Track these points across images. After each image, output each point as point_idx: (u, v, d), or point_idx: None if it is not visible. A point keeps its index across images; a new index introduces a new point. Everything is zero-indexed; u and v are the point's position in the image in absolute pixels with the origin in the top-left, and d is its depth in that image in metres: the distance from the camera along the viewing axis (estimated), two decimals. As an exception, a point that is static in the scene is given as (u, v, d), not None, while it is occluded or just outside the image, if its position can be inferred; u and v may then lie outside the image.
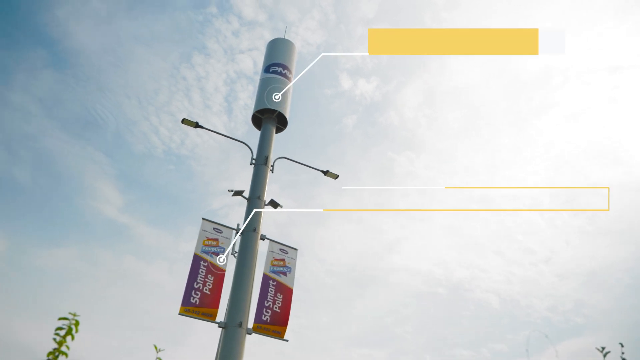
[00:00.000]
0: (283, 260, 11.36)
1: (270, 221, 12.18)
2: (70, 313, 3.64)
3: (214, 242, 10.75)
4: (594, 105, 38.51)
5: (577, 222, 37.98)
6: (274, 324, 10.55)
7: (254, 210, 11.30)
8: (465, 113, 39.91)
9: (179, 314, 9.93)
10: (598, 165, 37.85)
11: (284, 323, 10.63)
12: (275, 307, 10.75)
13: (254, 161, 12.01)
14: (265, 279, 11.01)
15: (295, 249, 11.66)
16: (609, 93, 38.10)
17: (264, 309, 10.62)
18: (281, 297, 10.93)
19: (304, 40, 34.73)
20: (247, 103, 36.55)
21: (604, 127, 38.31)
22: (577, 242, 37.47)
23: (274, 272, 11.14)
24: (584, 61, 37.60)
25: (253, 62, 36.82)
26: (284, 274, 11.22)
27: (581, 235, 37.69)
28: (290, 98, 12.92)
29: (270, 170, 11.99)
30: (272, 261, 11.24)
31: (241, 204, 11.51)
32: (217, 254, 10.63)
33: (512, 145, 40.00)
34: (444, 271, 37.36)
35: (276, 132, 12.63)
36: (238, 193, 11.42)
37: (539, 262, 37.03)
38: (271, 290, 10.91)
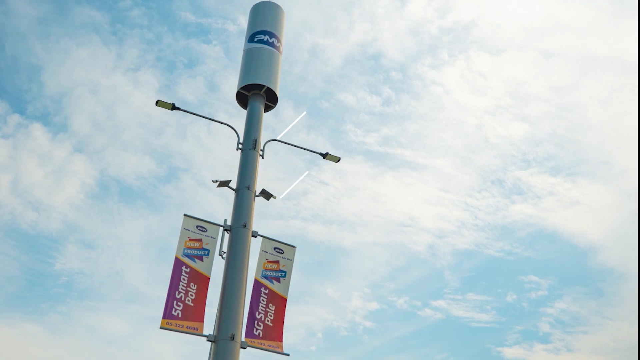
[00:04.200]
0: (277, 262, 9.85)
1: (262, 214, 10.65)
2: None
3: (197, 244, 9.29)
4: None
5: None
6: (267, 339, 9.16)
7: (244, 202, 9.80)
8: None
9: (161, 327, 8.66)
10: None
11: (279, 338, 9.25)
12: (267, 320, 9.32)
13: (240, 146, 10.43)
14: (257, 285, 9.55)
15: (293, 247, 10.12)
16: None
17: (255, 322, 9.22)
18: (273, 308, 9.50)
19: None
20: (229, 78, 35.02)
21: None
22: None
23: (265, 277, 9.66)
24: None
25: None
26: (277, 280, 9.73)
27: None
28: (279, 71, 11.26)
29: (260, 155, 10.43)
30: (264, 264, 9.74)
31: (228, 195, 10.00)
32: (201, 257, 9.21)
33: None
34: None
35: (265, 111, 11.03)
36: (224, 183, 9.92)
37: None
38: (262, 300, 9.46)
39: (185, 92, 34.67)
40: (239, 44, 12.04)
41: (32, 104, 34.33)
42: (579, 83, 36.93)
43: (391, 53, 36.60)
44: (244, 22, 12.14)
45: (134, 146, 34.84)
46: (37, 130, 33.88)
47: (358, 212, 33.77)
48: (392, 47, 36.40)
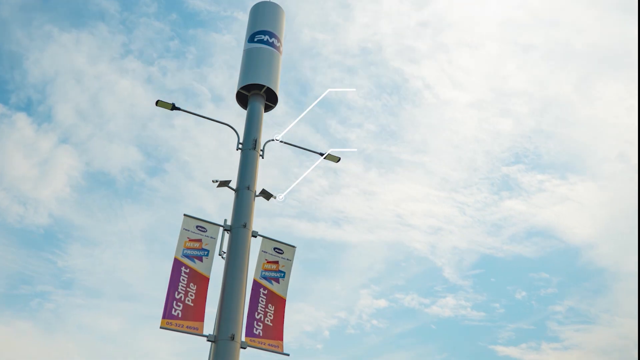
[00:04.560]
0: (276, 262, 9.85)
1: (262, 214, 10.64)
2: None
3: (197, 244, 9.30)
4: None
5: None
6: (268, 338, 9.18)
7: (244, 202, 9.79)
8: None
9: (161, 327, 8.67)
10: None
11: (279, 338, 9.26)
12: (267, 321, 9.32)
13: (240, 146, 10.43)
14: (256, 285, 9.54)
15: (293, 247, 10.10)
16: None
17: (255, 322, 9.23)
18: (273, 308, 9.50)
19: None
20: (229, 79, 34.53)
21: None
22: None
23: (264, 277, 9.66)
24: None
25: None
26: (276, 280, 9.73)
27: None
28: (279, 71, 11.24)
29: (260, 155, 10.42)
30: (263, 264, 9.74)
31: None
32: (200, 258, 9.22)
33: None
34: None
35: (265, 111, 11.03)
36: (224, 184, 9.91)
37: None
38: (262, 300, 9.45)
39: (173, 82, 34.01)
40: (241, 36, 11.99)
41: (16, 93, 33.40)
42: (561, 76, 36.52)
43: (369, 47, 36.04)
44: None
45: (120, 137, 34.05)
46: (22, 120, 33.07)
47: (345, 209, 33.50)
48: (368, 41, 35.83)
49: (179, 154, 33.46)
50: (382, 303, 32.08)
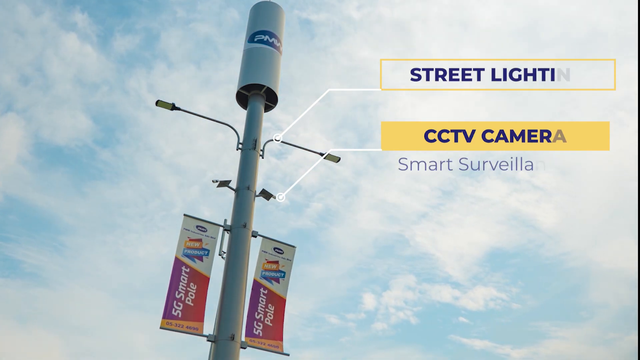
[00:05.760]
0: (276, 262, 9.90)
1: (263, 214, 10.67)
2: None
3: (197, 244, 9.34)
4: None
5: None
6: (267, 339, 9.25)
7: (244, 202, 9.82)
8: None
9: (160, 327, 8.72)
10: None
11: (279, 338, 9.32)
12: (267, 321, 9.39)
13: (240, 146, 10.46)
14: (256, 285, 9.61)
15: (293, 247, 10.14)
16: None
17: (255, 322, 9.29)
18: (273, 308, 9.56)
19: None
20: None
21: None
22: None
23: (264, 277, 9.72)
24: None
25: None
26: (277, 280, 9.78)
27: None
28: (279, 71, 11.29)
29: (260, 155, 10.45)
30: (263, 264, 9.79)
31: (228, 196, 10.00)
32: (201, 257, 9.26)
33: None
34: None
35: (265, 111, 11.07)
36: (224, 184, 9.94)
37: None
38: (262, 300, 9.52)
39: (124, 41, 30.62)
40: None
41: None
42: (520, 56, 34.95)
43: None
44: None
45: (69, 103, 30.51)
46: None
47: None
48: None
49: (135, 123, 30.71)
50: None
